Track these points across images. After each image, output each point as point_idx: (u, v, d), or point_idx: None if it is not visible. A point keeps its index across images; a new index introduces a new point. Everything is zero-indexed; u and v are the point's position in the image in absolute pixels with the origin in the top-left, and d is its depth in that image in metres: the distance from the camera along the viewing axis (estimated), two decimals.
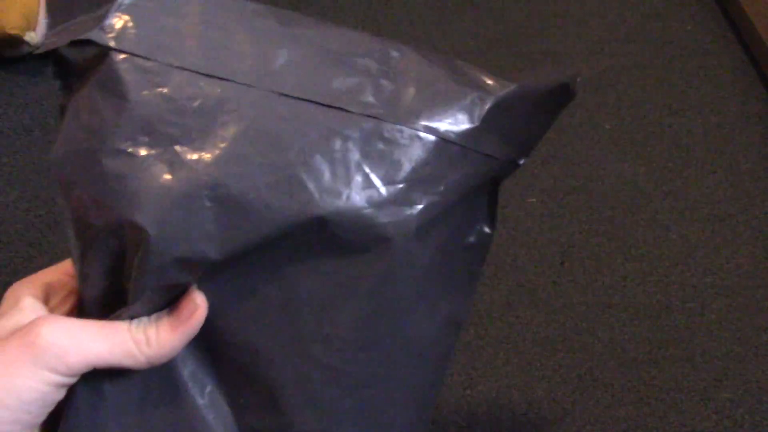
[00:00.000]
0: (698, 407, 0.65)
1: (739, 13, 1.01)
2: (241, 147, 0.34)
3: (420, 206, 0.35)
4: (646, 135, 0.89)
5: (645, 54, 0.99)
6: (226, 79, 0.35)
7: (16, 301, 0.37)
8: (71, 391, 0.36)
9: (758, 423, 0.64)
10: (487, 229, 0.40)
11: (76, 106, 0.35)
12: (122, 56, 0.35)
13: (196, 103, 0.34)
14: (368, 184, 0.35)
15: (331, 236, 0.35)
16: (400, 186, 0.35)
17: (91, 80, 0.35)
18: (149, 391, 0.37)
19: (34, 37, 0.92)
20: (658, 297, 0.73)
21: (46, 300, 0.38)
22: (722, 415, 0.65)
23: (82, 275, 0.36)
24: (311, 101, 0.35)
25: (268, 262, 0.35)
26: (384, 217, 0.35)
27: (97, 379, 0.36)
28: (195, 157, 0.34)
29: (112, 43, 0.35)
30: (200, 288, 0.35)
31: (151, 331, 0.35)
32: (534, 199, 0.81)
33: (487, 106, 0.36)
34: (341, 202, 0.34)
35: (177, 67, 0.35)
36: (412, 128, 0.35)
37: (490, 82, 0.37)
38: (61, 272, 0.39)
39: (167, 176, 0.33)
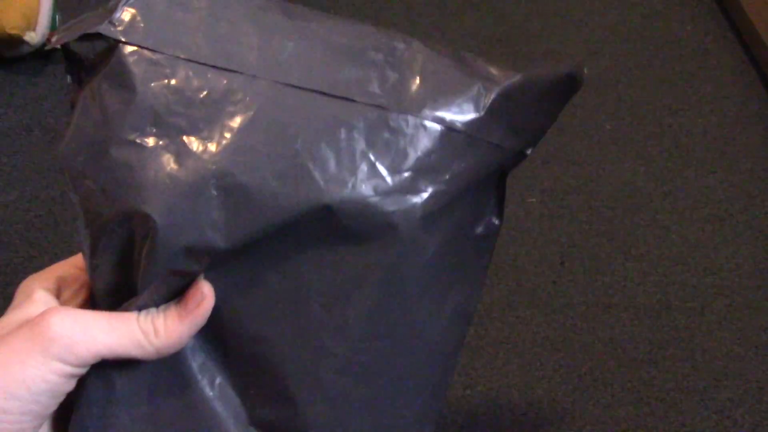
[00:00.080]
0: (698, 407, 0.65)
1: (739, 13, 1.01)
2: (247, 137, 0.34)
3: (426, 194, 0.36)
4: (646, 135, 0.89)
5: (645, 54, 0.99)
6: (233, 71, 0.35)
7: (28, 294, 0.37)
8: (82, 383, 0.36)
9: (758, 423, 0.64)
10: (495, 221, 0.40)
11: (86, 99, 0.36)
12: (131, 49, 0.35)
13: (203, 94, 0.35)
14: (374, 172, 0.35)
15: (337, 225, 0.35)
16: (406, 174, 0.35)
17: (100, 73, 0.36)
18: (159, 384, 0.37)
19: (34, 37, 0.92)
20: (658, 297, 0.73)
21: (58, 293, 0.38)
22: (722, 415, 0.65)
23: (93, 267, 0.36)
24: (317, 91, 0.35)
25: (275, 252, 0.36)
26: (390, 206, 0.35)
27: (107, 372, 0.36)
28: (202, 147, 0.34)
29: (120, 37, 0.35)
30: (208, 279, 0.36)
31: (159, 322, 0.35)
32: (534, 199, 0.81)
33: (492, 96, 0.36)
34: (347, 191, 0.35)
35: (184, 59, 0.35)
36: (417, 117, 0.36)
37: (495, 72, 0.37)
38: (73, 266, 0.40)
39: (175, 166, 0.34)
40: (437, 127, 0.36)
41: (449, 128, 0.36)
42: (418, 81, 0.36)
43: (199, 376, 0.37)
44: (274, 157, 0.34)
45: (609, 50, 0.99)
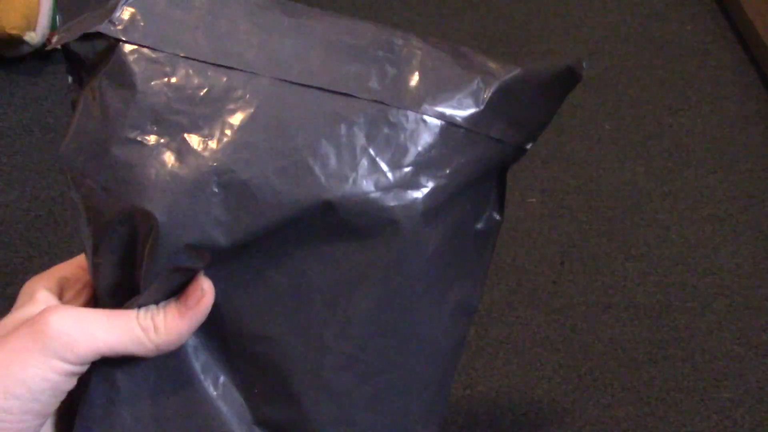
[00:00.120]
0: (698, 407, 0.65)
1: (739, 13, 1.01)
2: (248, 134, 0.35)
3: (426, 189, 0.36)
4: (646, 135, 0.89)
5: (645, 54, 0.99)
6: (233, 68, 0.36)
7: (30, 294, 0.37)
8: (85, 383, 0.36)
9: (758, 423, 0.64)
10: (496, 216, 0.40)
11: (86, 98, 0.36)
12: (131, 48, 0.35)
13: (203, 92, 0.35)
14: (374, 168, 0.35)
15: (338, 221, 0.35)
16: (407, 170, 0.35)
17: (100, 72, 0.36)
18: (162, 384, 0.37)
19: (34, 37, 0.92)
20: (658, 297, 0.73)
21: (60, 293, 0.38)
22: (722, 415, 0.65)
23: (95, 266, 0.36)
24: (317, 88, 0.36)
25: (277, 249, 0.36)
26: (391, 201, 0.35)
27: (110, 371, 0.36)
28: (203, 144, 0.34)
29: (120, 36, 0.35)
30: (209, 276, 0.36)
31: (159, 318, 0.35)
32: (534, 199, 0.81)
33: (492, 90, 0.37)
34: (348, 186, 0.35)
35: (184, 57, 0.36)
36: (417, 113, 0.36)
37: (494, 66, 0.38)
38: (76, 266, 0.40)
39: (176, 164, 0.34)
40: (437, 122, 0.36)
41: (449, 123, 0.36)
42: (417, 76, 0.36)
43: (202, 376, 0.37)
44: (274, 153, 0.34)
45: (609, 50, 0.99)
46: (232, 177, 0.34)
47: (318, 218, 0.35)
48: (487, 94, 0.36)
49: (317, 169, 0.34)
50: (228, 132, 0.34)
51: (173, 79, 0.35)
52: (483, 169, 0.38)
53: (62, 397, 0.35)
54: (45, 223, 0.79)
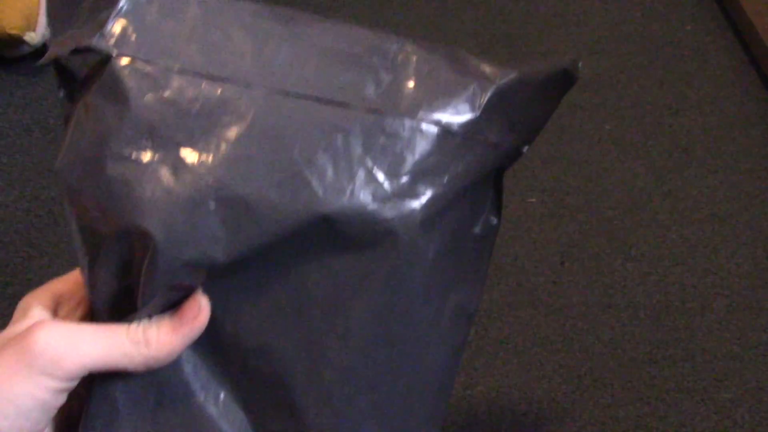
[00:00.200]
0: (698, 407, 0.65)
1: (739, 13, 1.01)
2: (244, 147, 0.34)
3: (425, 198, 0.35)
4: (646, 135, 0.89)
5: (645, 54, 0.99)
6: (227, 80, 0.35)
7: (24, 311, 0.37)
8: (86, 402, 0.36)
9: (758, 423, 0.64)
10: (493, 219, 0.40)
11: (79, 114, 0.35)
12: (123, 62, 0.35)
13: (197, 105, 0.35)
14: (371, 178, 0.35)
15: (337, 233, 0.35)
16: (404, 179, 0.35)
17: (93, 87, 0.35)
18: (163, 403, 0.37)
19: (34, 37, 0.92)
20: (658, 297, 0.73)
21: (55, 310, 0.38)
22: (722, 415, 0.65)
23: (91, 283, 0.36)
24: (312, 98, 0.35)
25: (275, 262, 0.35)
26: (389, 212, 0.35)
27: (110, 391, 0.36)
28: (199, 159, 0.34)
29: (113, 50, 0.35)
30: (208, 291, 0.35)
31: (151, 332, 0.35)
32: (534, 199, 0.81)
33: (488, 95, 0.36)
34: (345, 199, 0.34)
35: (178, 70, 0.35)
36: (413, 120, 0.35)
37: (490, 70, 0.37)
38: (71, 282, 0.39)
39: (172, 180, 0.33)
40: (434, 129, 0.35)
41: (446, 130, 0.35)
42: (412, 83, 0.36)
43: (203, 394, 0.37)
44: (271, 166, 0.34)
45: (609, 50, 0.99)
46: (228, 192, 0.33)
47: (316, 231, 0.34)
48: (483, 99, 0.36)
49: (314, 182, 0.34)
50: (223, 146, 0.34)
51: (167, 93, 0.34)
52: (480, 174, 0.37)
53: (52, 413, 0.34)
54: (45, 223, 0.79)
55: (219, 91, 0.35)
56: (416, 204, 0.35)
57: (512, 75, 0.37)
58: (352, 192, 0.34)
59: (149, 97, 0.34)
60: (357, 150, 0.35)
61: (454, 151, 0.36)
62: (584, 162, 0.85)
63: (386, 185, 0.35)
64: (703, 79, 0.95)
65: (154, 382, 0.36)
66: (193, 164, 0.34)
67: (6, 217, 0.79)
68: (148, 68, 0.35)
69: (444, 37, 1.02)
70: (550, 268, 0.75)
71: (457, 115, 0.36)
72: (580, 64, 0.37)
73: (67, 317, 0.38)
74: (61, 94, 0.37)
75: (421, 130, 0.35)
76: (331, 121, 0.35)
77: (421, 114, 0.35)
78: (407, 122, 0.35)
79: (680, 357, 0.68)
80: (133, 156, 0.34)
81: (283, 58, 0.36)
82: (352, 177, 0.34)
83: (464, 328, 0.40)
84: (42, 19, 0.93)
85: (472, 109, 0.36)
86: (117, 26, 0.35)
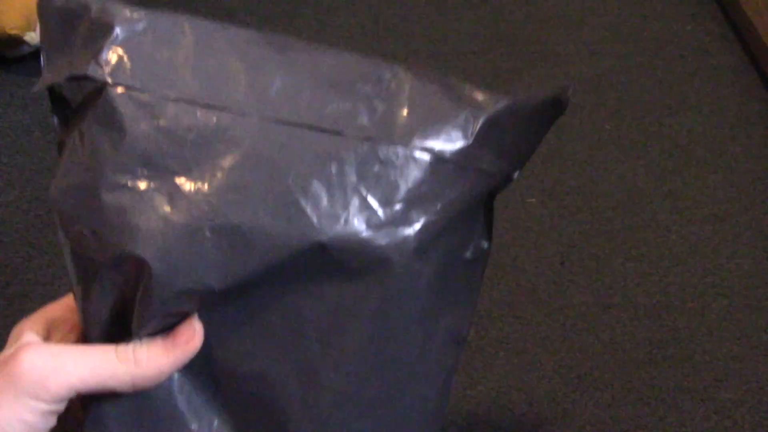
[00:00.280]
0: (698, 407, 0.65)
1: (739, 13, 1.01)
2: (239, 176, 0.34)
3: (418, 225, 0.35)
4: (646, 135, 0.89)
5: (645, 54, 0.99)
6: (222, 108, 0.35)
7: (17, 337, 0.37)
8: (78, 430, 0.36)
9: (758, 423, 0.64)
10: (484, 243, 0.40)
11: (74, 141, 0.35)
12: (118, 90, 0.35)
13: (192, 134, 0.35)
14: (366, 206, 0.35)
15: (331, 260, 0.35)
16: (398, 207, 0.35)
17: (88, 115, 0.35)
18: (157, 430, 0.37)
19: (34, 37, 0.92)
20: (658, 297, 0.73)
21: (47, 335, 0.38)
22: (722, 415, 0.65)
23: (85, 310, 0.36)
24: (306, 126, 0.35)
25: (270, 288, 0.35)
26: (382, 239, 0.35)
27: (102, 418, 0.36)
28: (194, 188, 0.34)
29: (108, 78, 0.35)
30: (203, 317, 0.35)
31: (141, 352, 0.35)
32: (534, 199, 0.81)
33: (480, 123, 0.36)
34: (340, 226, 0.34)
35: (173, 99, 0.35)
36: (407, 149, 0.35)
37: (482, 98, 0.37)
38: (64, 307, 0.39)
39: (168, 208, 0.34)
40: (426, 157, 0.35)
41: (438, 158, 0.36)
42: (406, 111, 0.36)
43: (196, 420, 0.37)
44: (266, 195, 0.34)
45: (609, 50, 0.99)
46: (224, 221, 0.34)
47: (311, 258, 0.35)
48: (475, 127, 0.36)
49: (309, 210, 0.34)
50: (219, 174, 0.34)
51: (162, 122, 0.34)
52: (472, 201, 0.38)
53: None
54: (45, 223, 0.79)
55: (214, 119, 0.35)
56: (410, 231, 0.35)
57: (504, 103, 0.37)
58: (347, 219, 0.35)
59: (144, 125, 0.34)
60: (351, 178, 0.35)
61: (447, 178, 0.36)
62: (584, 162, 0.85)
63: (380, 213, 0.35)
64: (703, 79, 0.95)
65: (146, 409, 0.36)
66: (188, 192, 0.34)
67: (6, 217, 0.79)
68: (144, 97, 0.35)
69: (444, 37, 1.02)
70: (550, 268, 0.75)
71: (449, 143, 0.36)
72: (570, 91, 0.37)
73: (60, 342, 0.38)
74: (55, 120, 0.37)
75: (414, 158, 0.35)
76: (325, 149, 0.35)
77: (414, 142, 0.35)
78: (401, 150, 0.35)
79: (680, 357, 0.68)
80: (129, 184, 0.34)
81: (277, 86, 0.36)
82: (346, 205, 0.35)
83: (455, 351, 0.40)
84: None
85: (465, 137, 0.36)
86: (112, 54, 0.35)
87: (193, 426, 0.37)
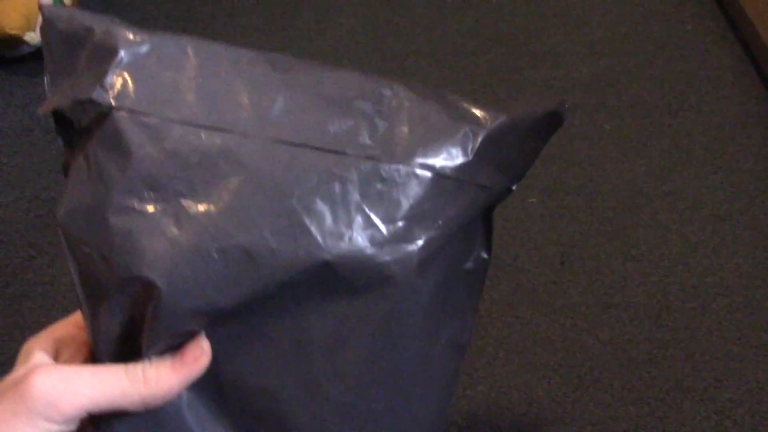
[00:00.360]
0: (698, 407, 0.65)
1: (739, 13, 1.01)
2: (244, 197, 0.35)
3: (421, 242, 0.36)
4: (646, 135, 0.89)
5: (645, 54, 0.99)
6: (226, 130, 0.36)
7: (26, 356, 0.37)
8: None
9: (758, 423, 0.64)
10: (484, 254, 0.41)
11: (80, 164, 0.36)
12: (123, 113, 0.35)
13: (198, 156, 0.35)
14: (369, 224, 0.35)
15: (336, 277, 0.35)
16: (400, 223, 0.36)
17: (93, 138, 0.35)
18: None
19: (34, 37, 0.92)
20: (658, 297, 0.73)
21: (56, 354, 0.38)
22: (722, 415, 0.65)
23: (94, 330, 0.36)
24: (310, 146, 0.36)
25: (276, 305, 0.36)
26: (386, 256, 0.36)
27: None
28: (200, 209, 0.34)
29: (112, 102, 0.35)
30: (210, 334, 0.36)
31: (151, 371, 0.35)
32: (534, 199, 0.81)
33: (479, 140, 0.37)
34: (344, 244, 0.35)
35: (177, 121, 0.35)
36: (408, 166, 0.36)
37: (481, 114, 0.38)
38: (73, 325, 0.39)
39: (175, 230, 0.34)
40: (428, 174, 0.36)
41: (439, 174, 0.36)
42: (406, 129, 0.37)
43: None
44: (271, 215, 0.35)
45: (609, 50, 0.99)
46: (231, 242, 0.34)
47: (316, 276, 0.35)
48: (475, 144, 0.37)
49: (314, 229, 0.35)
50: (224, 195, 0.35)
51: (167, 144, 0.35)
52: (472, 214, 0.38)
53: None
54: (45, 223, 0.79)
55: (218, 141, 0.35)
56: (413, 247, 0.36)
57: (502, 119, 0.38)
58: (351, 237, 0.35)
59: (150, 148, 0.35)
60: (354, 196, 0.36)
61: (448, 194, 0.37)
62: (584, 162, 0.85)
63: (384, 230, 0.36)
64: (703, 79, 0.95)
65: (156, 426, 0.37)
66: (195, 214, 0.34)
67: (6, 217, 0.79)
68: (149, 120, 0.35)
69: (444, 37, 1.02)
70: (550, 268, 0.75)
71: (450, 160, 0.37)
72: (567, 105, 0.38)
73: (69, 361, 0.38)
74: (60, 142, 0.37)
75: (416, 176, 0.36)
76: (328, 168, 0.36)
77: (415, 159, 0.36)
78: (402, 168, 0.36)
79: (680, 357, 0.68)
80: (136, 207, 0.34)
81: (279, 107, 0.36)
82: (350, 223, 0.35)
83: (457, 359, 0.41)
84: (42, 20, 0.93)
85: (465, 154, 0.37)
86: (117, 78, 0.35)
87: None
